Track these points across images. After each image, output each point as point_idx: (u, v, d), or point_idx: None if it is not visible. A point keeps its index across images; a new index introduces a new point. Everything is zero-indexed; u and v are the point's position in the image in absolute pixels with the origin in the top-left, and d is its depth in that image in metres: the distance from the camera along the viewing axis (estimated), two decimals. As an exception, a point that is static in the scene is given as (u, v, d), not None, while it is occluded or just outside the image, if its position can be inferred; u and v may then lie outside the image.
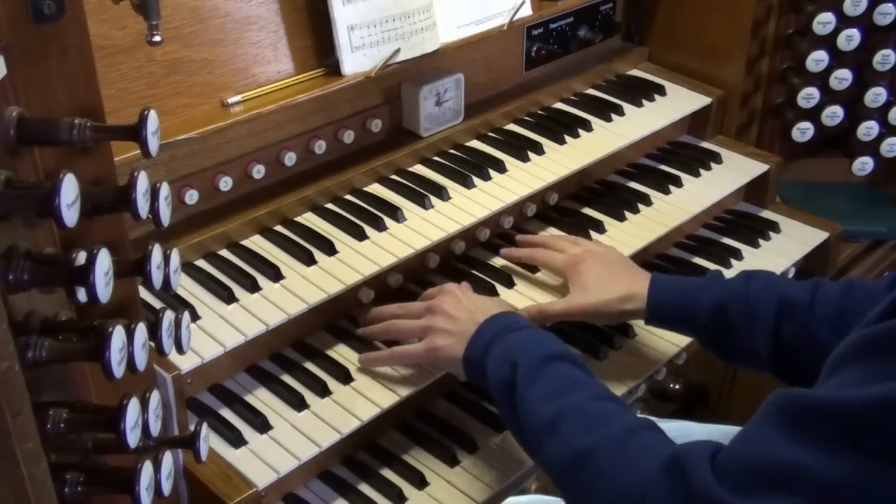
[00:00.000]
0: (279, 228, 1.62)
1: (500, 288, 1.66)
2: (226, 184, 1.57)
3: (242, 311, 1.44)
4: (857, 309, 1.34)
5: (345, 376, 1.47)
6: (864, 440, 0.88)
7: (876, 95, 2.09)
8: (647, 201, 1.91)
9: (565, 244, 1.67)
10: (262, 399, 1.44)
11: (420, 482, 1.44)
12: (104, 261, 0.81)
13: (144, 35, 1.28)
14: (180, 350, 0.98)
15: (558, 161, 1.84)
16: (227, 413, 1.40)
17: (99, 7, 1.40)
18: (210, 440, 1.10)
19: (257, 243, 1.59)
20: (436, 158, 1.82)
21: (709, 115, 2.12)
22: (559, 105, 2.04)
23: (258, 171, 1.61)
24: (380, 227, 1.62)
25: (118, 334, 0.83)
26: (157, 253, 0.92)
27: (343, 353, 1.52)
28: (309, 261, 1.54)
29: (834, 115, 2.11)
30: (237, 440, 1.35)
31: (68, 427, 0.87)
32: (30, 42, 0.86)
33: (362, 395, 1.45)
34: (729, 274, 1.57)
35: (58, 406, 0.87)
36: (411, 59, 1.73)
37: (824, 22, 2.03)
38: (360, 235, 1.60)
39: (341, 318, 1.59)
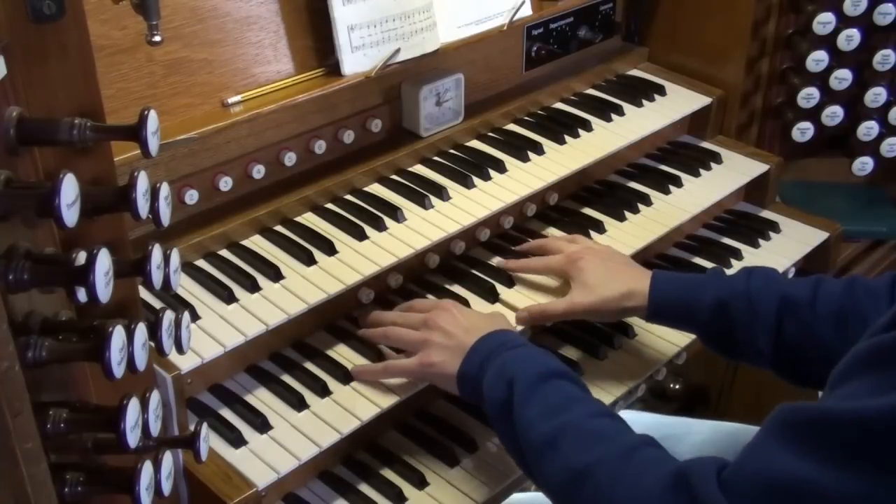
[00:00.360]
0: (279, 228, 1.62)
1: (500, 288, 1.66)
2: (226, 184, 1.57)
3: (242, 311, 1.44)
4: (859, 307, 1.34)
5: (345, 376, 1.47)
6: (873, 452, 0.87)
7: (876, 95, 2.09)
8: (647, 201, 1.91)
9: (562, 244, 1.67)
10: (262, 399, 1.44)
11: (420, 482, 1.44)
12: (104, 261, 0.81)
13: (144, 35, 1.28)
14: (180, 350, 0.98)
15: (558, 161, 1.84)
16: (227, 413, 1.40)
17: (99, 7, 1.40)
18: (210, 440, 1.10)
19: (257, 243, 1.59)
20: (436, 158, 1.82)
21: (709, 115, 2.12)
22: (559, 105, 2.04)
23: (258, 171, 1.61)
24: (380, 227, 1.62)
25: (118, 334, 0.83)
26: (157, 253, 0.92)
27: (343, 353, 1.52)
28: (309, 261, 1.54)
29: (834, 115, 2.11)
30: (237, 440, 1.35)
31: (68, 427, 0.87)
32: (30, 42, 0.86)
33: (362, 395, 1.45)
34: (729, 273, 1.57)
35: (58, 406, 0.87)
36: (411, 59, 1.73)
37: (824, 22, 2.03)
38: (360, 235, 1.60)
39: (341, 318, 1.59)
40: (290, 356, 1.52)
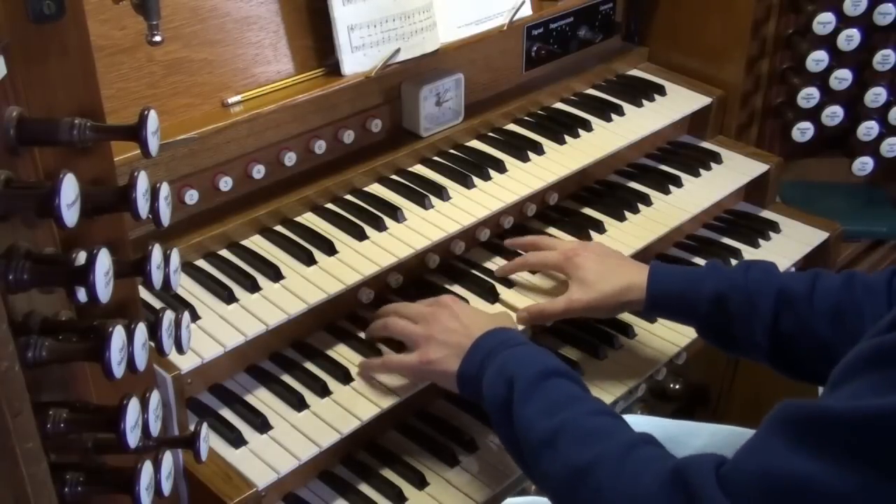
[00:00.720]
0: (279, 228, 1.62)
1: (500, 288, 1.66)
2: (226, 184, 1.57)
3: (242, 311, 1.44)
4: (856, 302, 1.34)
5: (345, 376, 1.47)
6: (874, 452, 0.87)
7: (876, 95, 2.09)
8: (647, 201, 1.91)
9: (554, 241, 1.67)
10: (262, 399, 1.44)
11: (420, 482, 1.44)
12: (104, 261, 0.81)
13: (144, 35, 1.28)
14: (180, 350, 0.98)
15: (558, 161, 1.84)
16: (227, 413, 1.40)
17: (99, 7, 1.40)
18: (210, 440, 1.10)
19: (257, 243, 1.59)
20: (436, 158, 1.82)
21: (709, 115, 2.12)
22: (559, 105, 2.04)
23: (258, 171, 1.61)
24: (380, 227, 1.62)
25: (118, 334, 0.83)
26: (157, 253, 0.91)
27: (343, 353, 1.52)
28: (309, 261, 1.54)
29: (834, 115, 2.11)
30: (237, 440, 1.35)
31: (68, 427, 0.87)
32: (30, 42, 0.86)
33: (362, 395, 1.45)
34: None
35: (58, 406, 0.87)
36: (411, 59, 1.73)
37: (824, 22, 2.03)
38: (360, 235, 1.60)
39: (341, 318, 1.59)
40: (290, 356, 1.52)
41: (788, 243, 1.98)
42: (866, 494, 0.87)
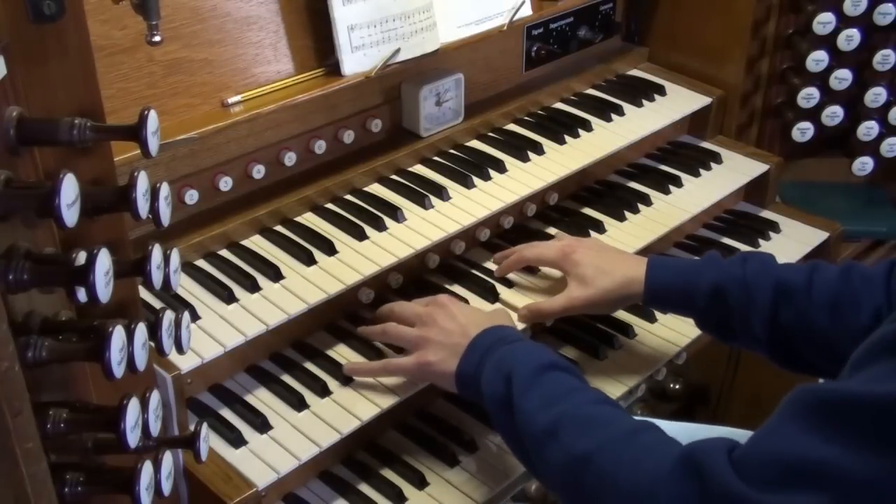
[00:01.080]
0: (279, 228, 1.62)
1: (500, 288, 1.66)
2: (226, 184, 1.57)
3: (242, 311, 1.44)
4: (854, 295, 1.34)
5: (345, 376, 1.47)
6: (894, 436, 0.86)
7: (876, 95, 2.09)
8: (647, 201, 1.91)
9: (549, 241, 1.66)
10: (262, 399, 1.44)
11: (420, 482, 1.44)
12: (104, 261, 0.81)
13: (144, 35, 1.28)
14: (180, 350, 0.98)
15: (558, 161, 1.84)
16: (227, 413, 1.40)
17: (99, 7, 1.40)
18: (210, 440, 1.10)
19: (257, 243, 1.59)
20: (436, 158, 1.82)
21: (709, 115, 2.12)
22: (559, 105, 2.04)
23: (258, 171, 1.61)
24: (380, 227, 1.62)
25: (118, 334, 0.83)
26: (157, 253, 0.92)
27: (343, 353, 1.52)
28: (309, 261, 1.54)
29: (834, 115, 2.11)
30: (237, 440, 1.35)
31: (68, 427, 0.87)
32: (30, 42, 0.86)
33: (362, 395, 1.45)
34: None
35: (58, 406, 0.87)
36: (411, 59, 1.73)
37: (824, 22, 2.03)
38: (360, 235, 1.60)
39: (341, 318, 1.59)
40: (290, 356, 1.52)
41: (788, 243, 1.98)
42: (888, 478, 0.86)
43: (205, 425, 1.03)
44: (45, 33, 0.86)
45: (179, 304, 1.43)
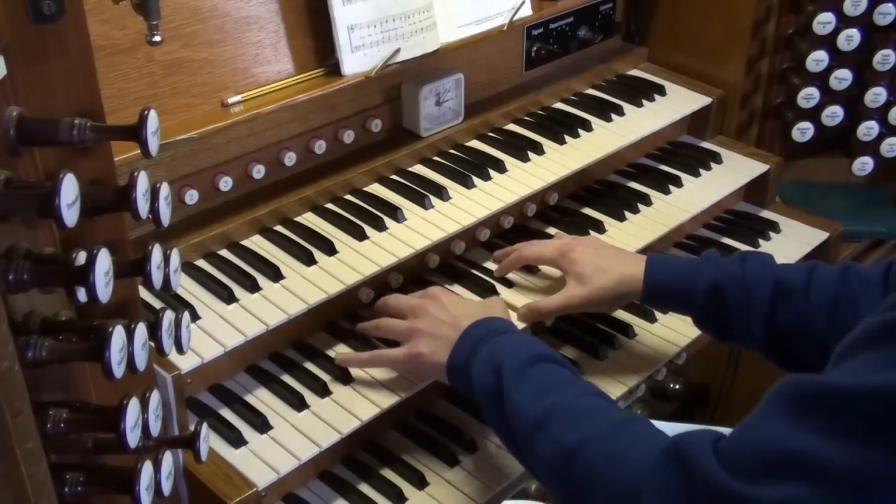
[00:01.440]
0: (279, 228, 1.62)
1: (500, 288, 1.66)
2: (226, 184, 1.57)
3: (242, 311, 1.44)
4: (852, 295, 1.34)
5: (345, 376, 1.47)
6: (876, 426, 0.87)
7: (876, 95, 2.09)
8: (647, 201, 1.91)
9: (547, 240, 1.66)
10: (262, 399, 1.44)
11: (420, 482, 1.44)
12: (104, 261, 0.81)
13: (144, 35, 1.28)
14: (180, 350, 0.98)
15: (558, 161, 1.84)
16: (227, 413, 1.40)
17: (99, 7, 1.40)
18: (210, 440, 1.10)
19: (257, 243, 1.59)
20: (436, 158, 1.82)
21: (709, 115, 2.12)
22: (559, 105, 2.04)
23: (258, 171, 1.61)
24: (380, 227, 1.62)
25: (118, 334, 0.83)
26: (157, 253, 0.92)
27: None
28: (309, 261, 1.54)
29: (834, 115, 2.11)
30: (237, 440, 1.35)
31: (68, 427, 0.87)
32: (30, 42, 0.86)
33: (362, 395, 1.45)
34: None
35: (58, 406, 0.87)
36: (411, 59, 1.73)
37: (824, 22, 2.03)
38: (360, 235, 1.60)
39: (341, 318, 1.59)
40: (290, 356, 1.52)
41: (788, 243, 1.98)
42: (870, 469, 0.87)
43: (205, 425, 1.03)
44: (45, 33, 0.86)
45: (179, 304, 1.43)
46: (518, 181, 1.77)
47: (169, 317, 0.96)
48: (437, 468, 1.47)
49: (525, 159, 1.82)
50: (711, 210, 2.00)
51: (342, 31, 1.64)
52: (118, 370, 0.83)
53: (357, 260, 1.55)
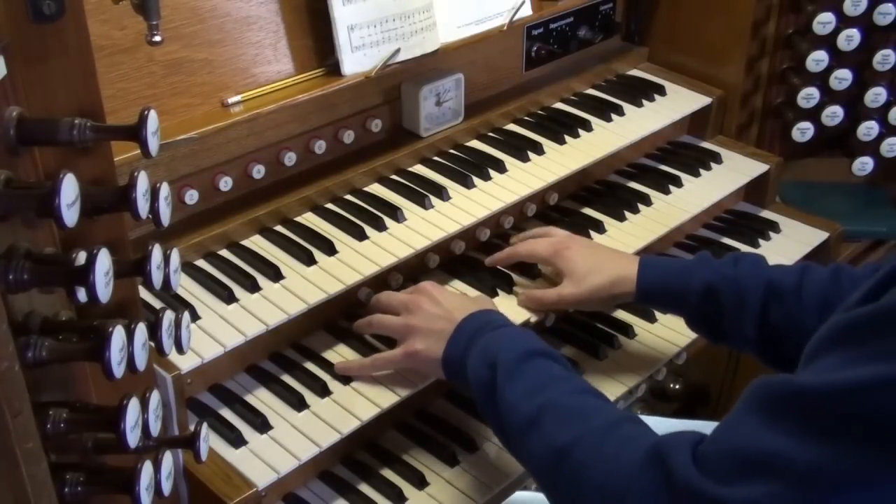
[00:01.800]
0: (279, 228, 1.62)
1: (500, 288, 1.66)
2: (226, 184, 1.57)
3: (242, 311, 1.44)
4: (843, 296, 1.34)
5: (344, 376, 1.47)
6: (842, 425, 0.88)
7: (876, 95, 2.09)
8: (647, 201, 1.91)
9: (541, 238, 1.66)
10: (262, 399, 1.44)
11: (420, 482, 1.44)
12: (104, 261, 0.81)
13: (144, 35, 1.28)
14: (180, 350, 0.98)
15: (558, 161, 1.84)
16: (227, 413, 1.40)
17: (99, 7, 1.40)
18: (210, 440, 1.10)
19: (257, 243, 1.59)
20: (436, 158, 1.82)
21: (709, 115, 2.12)
22: (559, 105, 2.04)
23: (258, 171, 1.61)
24: (380, 227, 1.62)
25: (118, 334, 0.83)
26: (157, 253, 0.92)
27: (343, 354, 1.52)
28: (309, 261, 1.54)
29: (834, 115, 2.11)
30: (237, 440, 1.35)
31: (68, 427, 0.87)
32: (30, 42, 0.86)
33: (362, 395, 1.45)
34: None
35: (58, 406, 0.87)
36: (411, 59, 1.73)
37: (824, 22, 2.03)
38: (360, 235, 1.60)
39: (341, 318, 1.59)
40: (290, 356, 1.52)
41: (788, 243, 1.98)
42: (837, 466, 0.88)
43: (205, 425, 1.03)
44: (45, 33, 0.86)
45: (179, 304, 1.43)
46: (518, 181, 1.77)
47: (169, 317, 0.96)
48: (437, 468, 1.47)
49: (525, 159, 1.82)
50: (711, 210, 2.00)
51: (342, 31, 1.64)
52: (118, 370, 0.83)
53: (357, 260, 1.55)
